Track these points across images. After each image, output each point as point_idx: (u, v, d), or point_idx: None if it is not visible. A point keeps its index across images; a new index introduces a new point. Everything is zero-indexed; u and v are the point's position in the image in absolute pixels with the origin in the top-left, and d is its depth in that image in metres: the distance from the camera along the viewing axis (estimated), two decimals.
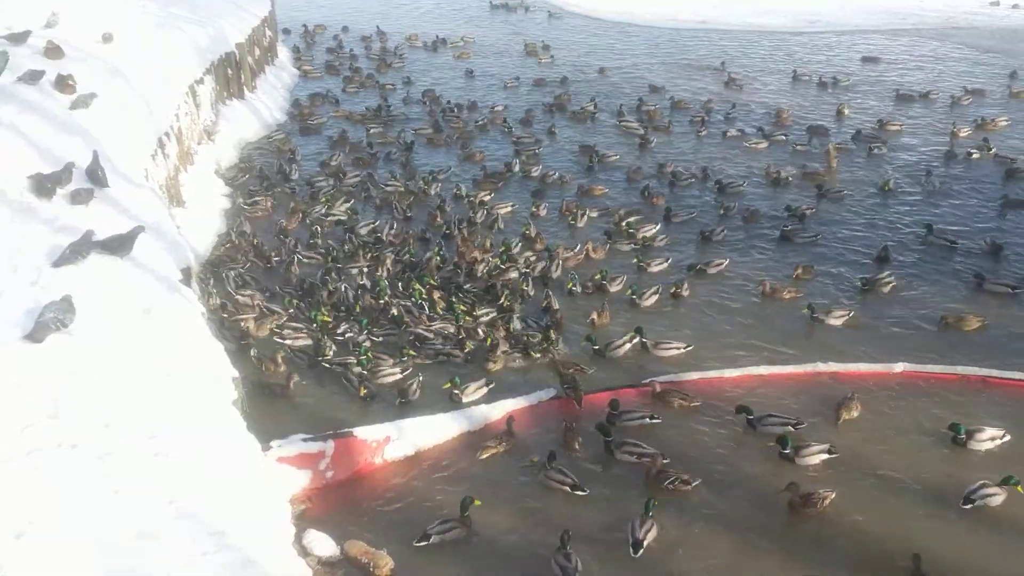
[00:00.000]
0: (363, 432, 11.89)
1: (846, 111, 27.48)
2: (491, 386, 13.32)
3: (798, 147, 24.48)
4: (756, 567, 10.13)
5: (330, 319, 15.04)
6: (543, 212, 19.83)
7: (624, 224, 19.07)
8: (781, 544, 10.43)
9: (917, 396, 13.32)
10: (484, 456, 11.94)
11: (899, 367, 13.93)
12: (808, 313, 15.30)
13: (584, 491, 11.12)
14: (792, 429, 12.27)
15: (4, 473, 6.63)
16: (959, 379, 13.71)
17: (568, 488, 11.16)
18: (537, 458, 11.82)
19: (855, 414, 12.67)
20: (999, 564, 10.16)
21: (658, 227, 19.09)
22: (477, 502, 10.61)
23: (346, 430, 11.93)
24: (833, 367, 14.00)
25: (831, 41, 39.30)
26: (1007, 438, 12.15)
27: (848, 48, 37.83)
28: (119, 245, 10.63)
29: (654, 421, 12.60)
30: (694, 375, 13.82)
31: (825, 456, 11.85)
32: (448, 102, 28.38)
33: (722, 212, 20.00)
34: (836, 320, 15.25)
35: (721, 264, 17.37)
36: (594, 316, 15.20)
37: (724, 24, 42.34)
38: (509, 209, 20.07)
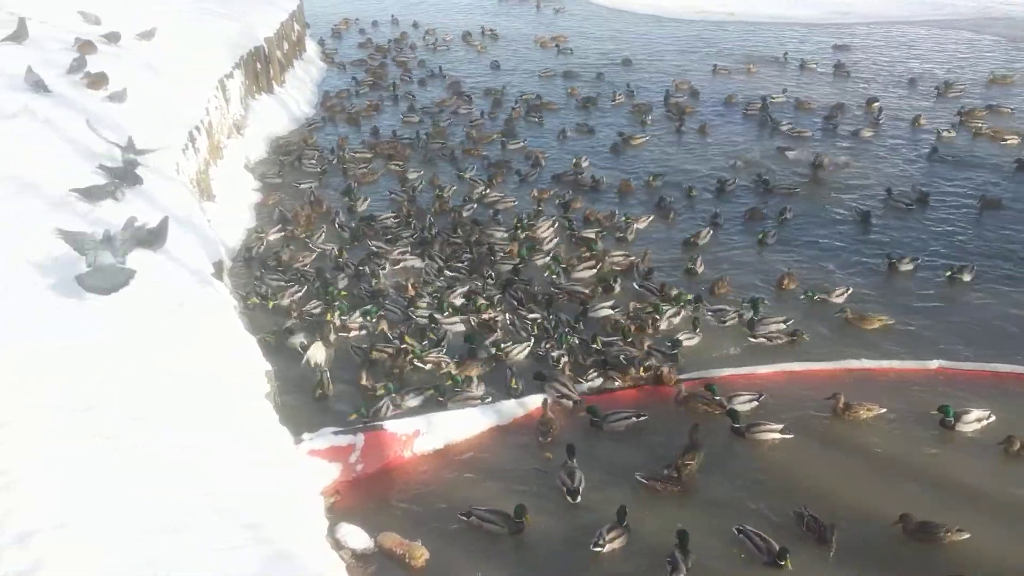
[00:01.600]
0: (393, 425, 11.92)
1: (877, 105, 27.07)
2: (426, 395, 12.88)
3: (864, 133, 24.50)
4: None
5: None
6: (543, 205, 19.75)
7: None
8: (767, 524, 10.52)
9: (942, 392, 13.06)
10: (547, 441, 12.03)
11: (934, 364, 13.74)
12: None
13: (575, 500, 10.82)
14: (720, 408, 12.57)
15: (43, 464, 6.69)
16: (994, 376, 13.52)
17: (564, 491, 10.97)
18: (551, 455, 11.79)
19: (864, 416, 12.45)
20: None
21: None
22: (528, 518, 10.40)
23: (376, 423, 11.97)
24: (866, 364, 13.84)
25: (860, 32, 38.88)
26: (992, 419, 12.23)
27: (879, 40, 37.40)
28: (153, 238, 10.70)
29: (640, 419, 12.37)
30: (725, 371, 13.70)
31: (777, 436, 12.01)
32: (467, 95, 28.41)
33: (714, 216, 19.28)
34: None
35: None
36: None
37: (752, 15, 41.97)
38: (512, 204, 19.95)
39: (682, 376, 13.48)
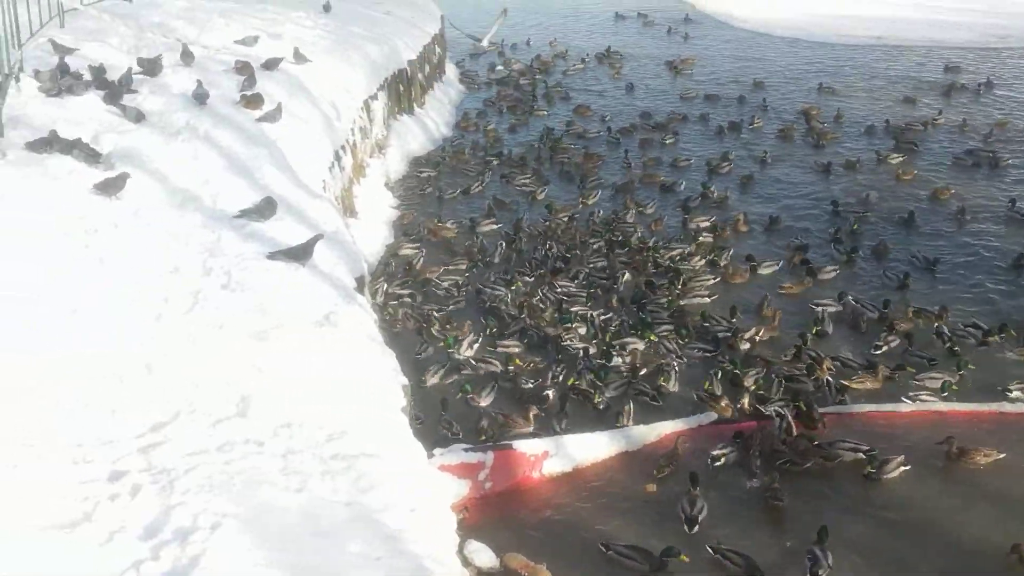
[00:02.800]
0: (522, 445, 11.97)
1: None
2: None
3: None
4: None
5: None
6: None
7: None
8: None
9: None
10: (659, 476, 11.74)
11: None
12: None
13: (692, 529, 10.61)
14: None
15: (199, 464, 7.07)
16: None
17: (683, 519, 10.78)
18: (654, 487, 11.57)
19: (982, 461, 11.74)
20: None
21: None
22: (684, 557, 10.13)
23: (505, 442, 12.06)
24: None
25: (1018, 55, 36.92)
26: None
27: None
28: (302, 253, 11.20)
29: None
30: (866, 407, 13.17)
31: (903, 468, 11.61)
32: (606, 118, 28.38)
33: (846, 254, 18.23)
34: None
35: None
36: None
37: (902, 39, 40.35)
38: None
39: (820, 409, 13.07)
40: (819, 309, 15.69)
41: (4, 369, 7.75)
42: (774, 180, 23.06)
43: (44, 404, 7.54)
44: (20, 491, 6.39)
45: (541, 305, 15.97)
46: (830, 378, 13.61)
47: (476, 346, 14.72)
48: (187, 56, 17.55)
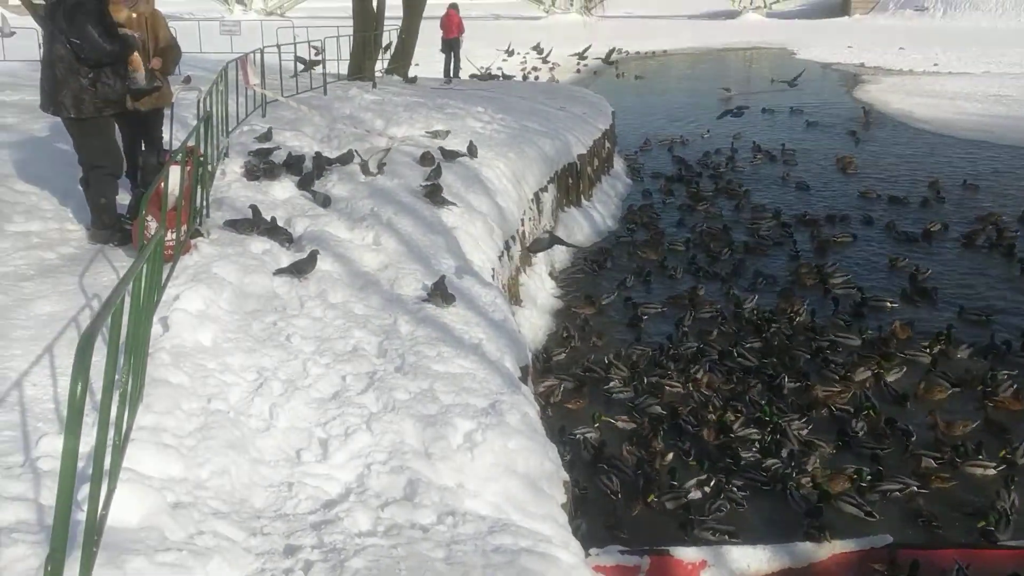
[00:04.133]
0: (680, 552, 11.62)
1: None
2: None
3: None
4: None
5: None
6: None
7: None
8: None
9: None
10: None
11: None
12: None
13: None
14: None
15: (368, 547, 7.23)
16: None
17: None
18: None
19: None
20: None
21: None
22: None
23: (663, 548, 11.73)
24: None
25: None
26: None
27: None
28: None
29: None
30: None
31: None
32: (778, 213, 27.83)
33: None
34: None
35: None
36: None
37: None
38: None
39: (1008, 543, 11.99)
40: None
41: (198, 439, 8.25)
42: (952, 290, 21.75)
43: (230, 472, 7.95)
44: (202, 558, 6.71)
45: (709, 408, 15.49)
46: None
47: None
48: (348, 157, 18.09)
